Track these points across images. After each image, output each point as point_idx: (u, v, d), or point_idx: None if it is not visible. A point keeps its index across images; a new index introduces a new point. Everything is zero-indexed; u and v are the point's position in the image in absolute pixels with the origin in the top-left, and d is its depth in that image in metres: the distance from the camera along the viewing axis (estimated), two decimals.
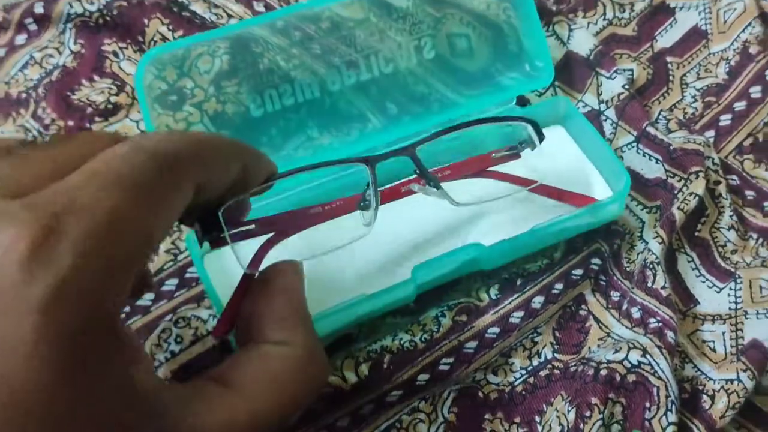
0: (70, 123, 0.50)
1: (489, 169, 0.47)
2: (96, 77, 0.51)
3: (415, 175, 0.42)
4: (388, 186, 0.43)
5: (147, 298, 0.46)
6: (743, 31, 0.56)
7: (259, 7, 0.55)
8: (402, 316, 0.46)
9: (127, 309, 0.46)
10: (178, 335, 0.45)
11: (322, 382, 0.32)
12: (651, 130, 0.52)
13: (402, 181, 0.44)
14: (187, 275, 0.47)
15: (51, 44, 0.53)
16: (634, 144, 0.53)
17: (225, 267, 0.44)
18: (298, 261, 0.33)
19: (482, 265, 0.46)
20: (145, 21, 0.52)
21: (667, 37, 0.58)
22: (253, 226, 0.38)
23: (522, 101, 0.54)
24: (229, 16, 0.54)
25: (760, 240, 0.49)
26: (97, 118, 0.50)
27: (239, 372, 0.28)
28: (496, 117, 0.47)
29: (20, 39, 0.53)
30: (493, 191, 0.46)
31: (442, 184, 0.42)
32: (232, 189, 0.31)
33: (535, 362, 0.45)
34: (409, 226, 0.48)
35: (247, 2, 0.55)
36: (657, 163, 0.51)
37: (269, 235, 0.40)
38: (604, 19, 0.58)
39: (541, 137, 0.44)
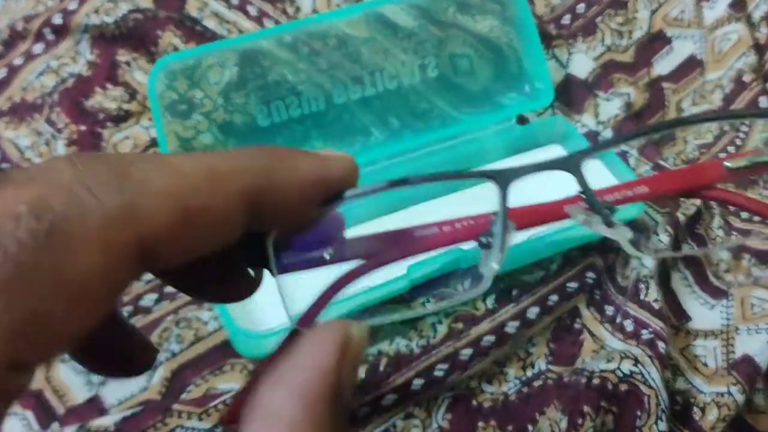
0: (83, 128, 0.51)
1: (719, 186, 0.30)
2: (109, 85, 0.53)
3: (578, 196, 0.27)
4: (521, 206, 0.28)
5: (149, 298, 0.47)
6: (737, 60, 0.58)
7: (269, 24, 0.57)
8: (401, 323, 0.47)
9: (129, 309, 0.47)
10: (178, 335, 0.46)
11: None
12: (663, 162, 0.53)
13: (556, 200, 0.30)
14: None
15: (68, 53, 0.55)
16: (651, 172, 0.54)
17: None
18: (353, 323, 0.22)
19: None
20: (159, 33, 0.54)
21: (663, 64, 0.60)
22: (325, 254, 0.26)
23: (521, 120, 0.55)
24: (240, 32, 0.56)
25: (753, 260, 0.50)
26: (108, 124, 0.52)
27: None
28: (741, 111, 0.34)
29: (38, 48, 0.55)
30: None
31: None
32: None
33: (529, 373, 0.46)
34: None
35: (258, 19, 0.57)
36: None
37: (351, 265, 0.28)
38: (603, 45, 0.60)
39: None
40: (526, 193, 0.26)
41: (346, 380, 0.21)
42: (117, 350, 0.25)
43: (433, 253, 0.34)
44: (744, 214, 0.52)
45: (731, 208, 0.52)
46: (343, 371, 0.21)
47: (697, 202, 0.50)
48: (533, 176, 0.25)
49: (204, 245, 0.20)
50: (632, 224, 0.49)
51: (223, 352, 0.45)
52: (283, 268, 0.24)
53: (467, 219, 0.28)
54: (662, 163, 0.53)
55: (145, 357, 0.26)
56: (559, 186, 0.27)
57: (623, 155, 0.55)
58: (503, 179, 0.24)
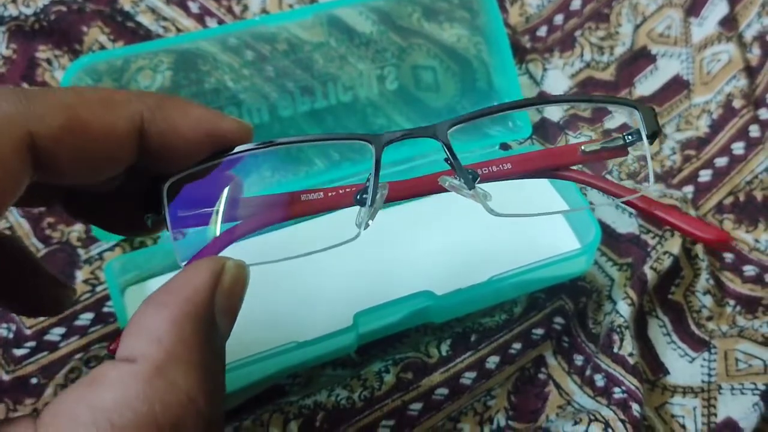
0: None
1: (573, 167, 0.34)
2: (25, 85, 0.47)
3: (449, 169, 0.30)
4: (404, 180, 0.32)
5: (56, 332, 0.41)
6: (727, 83, 0.53)
7: (212, 23, 0.51)
8: (342, 368, 0.42)
9: (32, 344, 0.41)
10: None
11: (183, 414, 0.21)
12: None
13: (429, 174, 0.32)
14: (105, 309, 0.42)
15: None
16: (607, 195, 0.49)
17: None
18: (229, 258, 0.25)
19: (433, 316, 0.42)
20: (84, 29, 0.48)
21: (646, 85, 0.55)
22: (212, 210, 0.28)
23: (504, 147, 0.50)
24: (178, 30, 0.50)
25: (738, 307, 0.45)
26: None
27: (55, 406, 0.20)
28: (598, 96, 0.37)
29: None
30: (548, 201, 0.41)
31: (485, 186, 0.31)
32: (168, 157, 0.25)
33: (487, 429, 0.41)
34: (354, 267, 0.43)
35: (199, 17, 0.51)
36: (630, 216, 0.47)
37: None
38: (582, 61, 0.55)
39: (656, 130, 0.31)
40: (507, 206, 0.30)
41: (221, 306, 0.23)
42: (27, 287, 0.28)
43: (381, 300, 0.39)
44: (748, 270, 0.47)
45: (726, 259, 0.47)
46: (217, 297, 0.23)
47: (674, 250, 0.45)
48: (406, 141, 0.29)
49: (94, 161, 0.23)
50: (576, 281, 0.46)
51: None
52: (178, 221, 0.27)
53: (350, 186, 0.30)
54: (608, 176, 0.48)
55: (57, 295, 0.29)
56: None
57: None
58: (378, 141, 0.28)
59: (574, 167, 0.33)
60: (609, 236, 0.47)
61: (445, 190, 0.31)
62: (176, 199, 0.27)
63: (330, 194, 0.30)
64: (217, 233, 0.28)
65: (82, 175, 0.23)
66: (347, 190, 0.30)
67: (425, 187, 0.31)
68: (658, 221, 0.46)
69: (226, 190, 0.28)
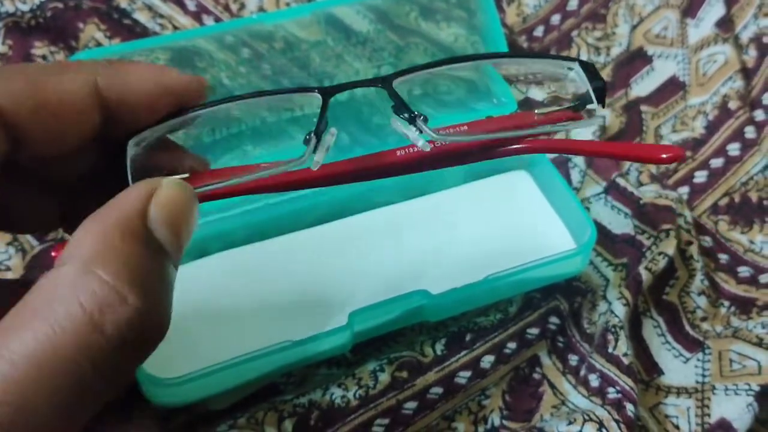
0: None
1: (525, 133, 0.32)
2: None
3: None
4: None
5: None
6: (723, 84, 0.53)
7: (209, 21, 0.51)
8: (337, 367, 0.42)
9: None
10: None
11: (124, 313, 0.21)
12: (621, 181, 0.48)
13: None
14: None
15: None
16: (603, 195, 0.49)
17: None
18: (166, 178, 0.25)
19: (428, 315, 0.42)
20: (80, 25, 0.48)
21: (642, 85, 0.55)
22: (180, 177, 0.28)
23: None
24: (175, 28, 0.50)
25: (732, 308, 0.45)
26: None
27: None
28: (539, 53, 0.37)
29: None
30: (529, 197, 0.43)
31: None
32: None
33: (481, 429, 0.41)
34: (349, 266, 0.43)
35: (196, 15, 0.51)
36: (626, 217, 0.47)
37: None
38: None
39: (602, 93, 0.31)
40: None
41: (158, 216, 0.23)
42: None
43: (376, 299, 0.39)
44: (743, 271, 0.47)
45: (721, 260, 0.47)
46: (152, 207, 0.23)
47: (669, 251, 0.45)
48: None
49: (58, 126, 0.25)
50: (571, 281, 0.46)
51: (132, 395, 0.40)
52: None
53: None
54: (620, 181, 0.48)
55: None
56: None
57: (566, 166, 0.50)
58: (326, 92, 0.29)
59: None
60: (604, 236, 0.48)
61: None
62: (141, 160, 0.27)
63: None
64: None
65: (49, 143, 0.25)
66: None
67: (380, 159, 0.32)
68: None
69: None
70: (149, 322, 0.21)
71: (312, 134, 0.28)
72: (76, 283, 0.20)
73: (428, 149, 0.29)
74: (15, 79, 0.24)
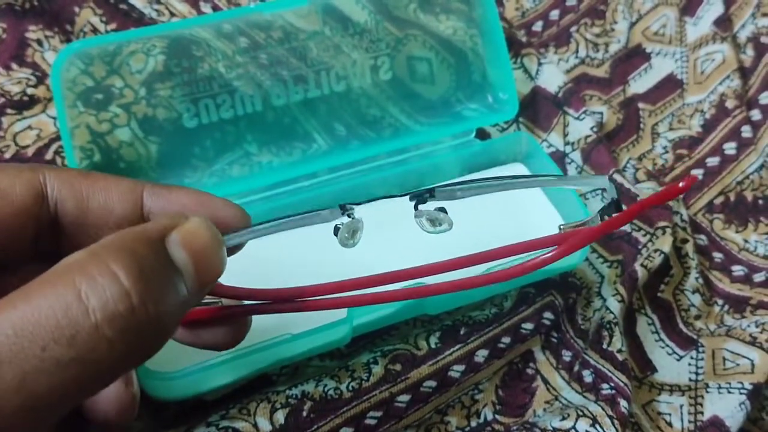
0: None
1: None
2: (14, 65, 0.46)
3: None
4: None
5: None
6: (720, 83, 0.53)
7: (206, 9, 0.50)
8: (330, 359, 0.41)
9: None
10: None
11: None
12: (618, 177, 0.48)
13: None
14: None
15: None
16: (599, 191, 0.49)
17: None
18: (198, 216, 0.24)
19: (426, 309, 0.42)
20: (76, 9, 0.47)
21: (640, 83, 0.55)
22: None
23: (482, 134, 0.50)
24: (172, 14, 0.49)
25: (726, 307, 0.45)
26: (9, 110, 0.45)
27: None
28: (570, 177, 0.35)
29: None
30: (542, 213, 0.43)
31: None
32: None
33: (474, 423, 0.41)
34: (347, 258, 0.43)
35: (194, 1, 0.50)
36: None
37: None
38: (576, 57, 0.55)
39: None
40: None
41: (176, 239, 0.22)
42: None
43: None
44: (737, 270, 0.47)
45: (716, 259, 0.47)
46: (172, 234, 0.22)
47: (665, 248, 0.45)
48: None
49: (102, 233, 0.26)
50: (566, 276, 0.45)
51: None
52: None
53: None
54: (617, 177, 0.48)
55: None
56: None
57: (563, 162, 0.50)
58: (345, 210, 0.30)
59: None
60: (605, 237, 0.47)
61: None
62: None
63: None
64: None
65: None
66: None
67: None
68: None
69: None
70: (147, 327, 0.20)
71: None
72: (81, 266, 0.20)
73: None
74: (69, 183, 0.25)
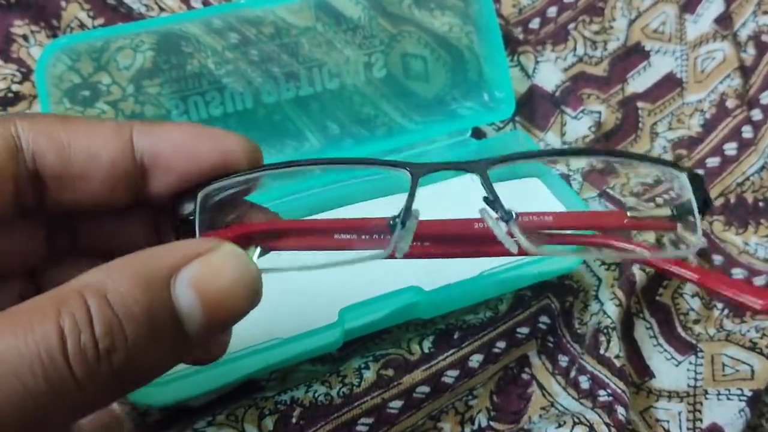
0: None
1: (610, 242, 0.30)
2: (0, 61, 0.45)
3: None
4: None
5: None
6: (721, 82, 0.52)
7: (196, 3, 0.49)
8: (321, 363, 0.41)
9: None
10: None
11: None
12: (609, 191, 0.47)
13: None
14: None
15: None
16: (597, 197, 0.48)
17: None
18: (224, 244, 0.22)
19: (421, 312, 0.41)
20: (63, 4, 0.46)
21: (639, 81, 0.54)
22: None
23: (477, 134, 0.49)
24: (161, 9, 0.48)
25: (726, 311, 0.45)
26: None
27: None
28: (647, 156, 0.32)
29: None
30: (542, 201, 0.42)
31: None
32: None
33: (468, 429, 0.40)
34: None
35: None
36: None
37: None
38: (574, 55, 0.54)
39: (706, 204, 0.28)
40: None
41: (183, 283, 0.20)
42: None
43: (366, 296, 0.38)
44: (737, 273, 0.46)
45: (715, 261, 0.47)
46: (184, 272, 0.21)
47: None
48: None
49: (89, 185, 0.24)
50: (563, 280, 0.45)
51: None
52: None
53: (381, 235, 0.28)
54: (609, 191, 0.47)
55: None
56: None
57: (566, 178, 0.49)
58: (417, 171, 0.26)
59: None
60: None
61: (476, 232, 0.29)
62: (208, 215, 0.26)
63: (363, 237, 0.29)
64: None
65: (75, 195, 0.24)
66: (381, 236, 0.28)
67: (458, 228, 0.30)
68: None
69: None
70: (117, 374, 0.19)
71: (397, 220, 0.26)
72: (72, 298, 0.19)
73: (515, 251, 0.27)
74: (47, 132, 0.23)
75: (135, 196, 0.25)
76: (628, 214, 0.29)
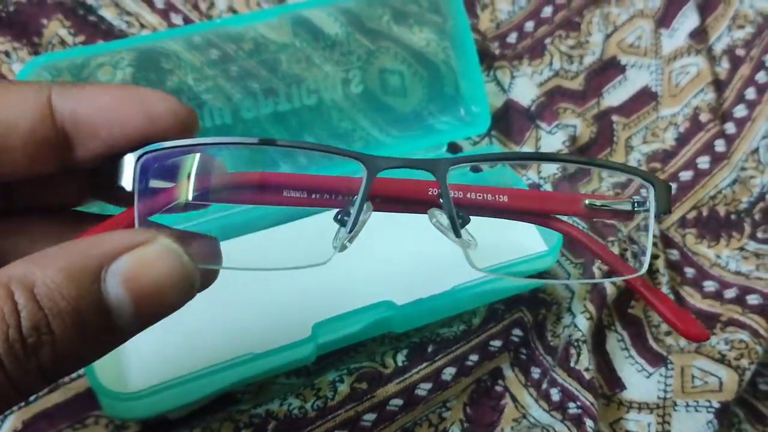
0: None
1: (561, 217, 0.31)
2: None
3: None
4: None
5: None
6: (695, 96, 0.53)
7: (177, 20, 0.50)
8: (296, 376, 0.41)
9: None
10: None
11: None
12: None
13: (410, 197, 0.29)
14: None
15: None
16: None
17: None
18: (170, 245, 0.22)
19: (393, 326, 0.41)
20: (44, 21, 0.47)
21: (614, 95, 0.55)
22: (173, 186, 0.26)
23: (453, 148, 0.50)
24: (142, 26, 0.49)
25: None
26: None
27: None
28: (615, 164, 0.31)
29: None
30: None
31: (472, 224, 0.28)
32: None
33: None
34: (312, 275, 0.42)
35: (164, 13, 0.50)
36: (583, 229, 0.47)
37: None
38: (551, 70, 0.54)
39: (666, 209, 0.29)
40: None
41: (114, 274, 0.20)
42: None
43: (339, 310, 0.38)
44: (708, 285, 0.47)
45: (687, 274, 0.47)
46: (114, 266, 0.20)
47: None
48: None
49: (8, 155, 0.22)
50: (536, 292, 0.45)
51: (87, 403, 0.39)
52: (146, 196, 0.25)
53: (335, 195, 0.27)
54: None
55: None
56: None
57: (536, 187, 0.49)
58: (373, 167, 0.25)
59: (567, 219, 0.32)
60: (571, 243, 0.47)
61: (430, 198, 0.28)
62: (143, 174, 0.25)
63: (314, 196, 0.27)
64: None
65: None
66: (332, 197, 0.27)
67: (412, 200, 0.29)
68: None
69: (195, 163, 0.26)
70: (32, 368, 0.19)
71: (346, 216, 0.26)
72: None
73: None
74: None
75: (61, 164, 0.24)
76: (586, 202, 0.29)
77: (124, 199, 0.25)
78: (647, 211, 0.28)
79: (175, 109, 0.24)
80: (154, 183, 0.25)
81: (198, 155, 0.26)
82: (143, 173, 0.24)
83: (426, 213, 0.28)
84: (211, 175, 0.26)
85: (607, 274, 0.44)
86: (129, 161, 0.24)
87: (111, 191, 0.25)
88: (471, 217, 0.28)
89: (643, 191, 0.29)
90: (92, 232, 0.23)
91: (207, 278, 0.25)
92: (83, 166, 0.24)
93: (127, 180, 0.24)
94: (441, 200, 0.26)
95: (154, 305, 0.21)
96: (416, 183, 0.28)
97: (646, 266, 0.29)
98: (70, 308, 0.19)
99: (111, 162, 0.24)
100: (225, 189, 0.27)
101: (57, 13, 0.47)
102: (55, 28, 0.47)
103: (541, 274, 0.44)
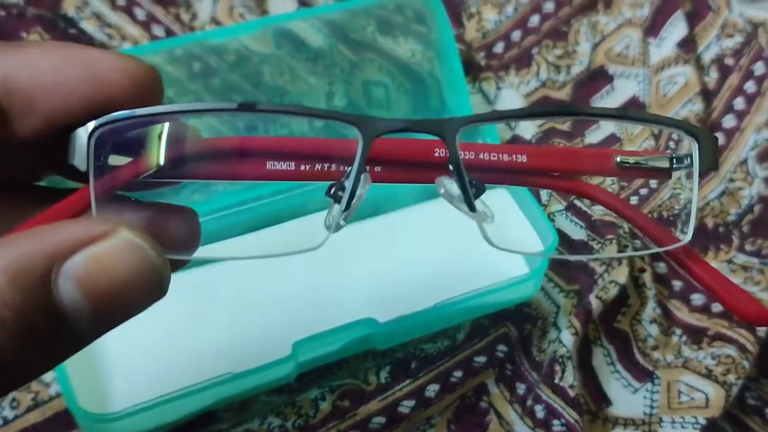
0: None
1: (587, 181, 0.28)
2: None
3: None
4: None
5: None
6: (683, 107, 0.53)
7: (159, 32, 0.49)
8: (278, 394, 0.41)
9: None
10: (13, 398, 0.39)
11: None
12: (577, 202, 0.48)
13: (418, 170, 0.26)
14: None
15: None
16: (564, 211, 0.48)
17: None
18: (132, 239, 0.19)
19: (375, 344, 0.41)
20: (24, 35, 0.46)
21: (602, 105, 0.54)
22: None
23: None
24: (123, 38, 0.49)
25: (684, 337, 0.45)
26: None
27: None
28: (652, 115, 0.27)
29: None
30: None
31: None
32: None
33: None
34: (292, 291, 0.42)
35: (146, 25, 0.49)
36: (581, 228, 0.47)
37: None
38: (538, 80, 0.54)
39: (714, 162, 0.25)
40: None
41: (66, 277, 0.17)
42: None
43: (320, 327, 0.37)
44: (696, 299, 0.46)
45: (675, 287, 0.47)
46: (65, 267, 0.17)
47: (621, 279, 0.44)
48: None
49: None
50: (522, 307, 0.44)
51: (66, 422, 0.39)
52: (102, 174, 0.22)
53: (328, 159, 0.25)
54: (577, 202, 0.47)
55: None
56: None
57: (535, 192, 0.49)
58: (369, 130, 0.22)
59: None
60: (561, 265, 0.47)
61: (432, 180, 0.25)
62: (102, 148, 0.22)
63: (303, 167, 0.25)
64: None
65: None
66: (323, 168, 0.25)
67: (415, 165, 0.26)
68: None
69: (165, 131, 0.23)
70: (3, 376, 0.18)
71: (340, 191, 0.23)
72: None
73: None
74: None
75: None
76: (617, 159, 0.26)
77: (84, 174, 0.22)
78: (688, 167, 0.25)
79: (130, 71, 0.21)
80: (114, 159, 0.22)
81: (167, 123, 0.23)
82: (99, 149, 0.21)
83: (433, 183, 0.25)
84: (182, 143, 0.23)
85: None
86: (80, 136, 0.21)
87: (67, 167, 0.22)
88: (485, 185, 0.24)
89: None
90: (41, 218, 0.20)
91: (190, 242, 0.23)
92: (27, 141, 0.21)
93: (80, 158, 0.21)
94: (450, 166, 0.23)
95: (116, 308, 0.18)
96: (419, 142, 0.25)
97: (691, 233, 0.25)
98: (15, 316, 0.17)
99: (59, 137, 0.21)
100: (198, 159, 0.24)
101: (37, 26, 0.46)
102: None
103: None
